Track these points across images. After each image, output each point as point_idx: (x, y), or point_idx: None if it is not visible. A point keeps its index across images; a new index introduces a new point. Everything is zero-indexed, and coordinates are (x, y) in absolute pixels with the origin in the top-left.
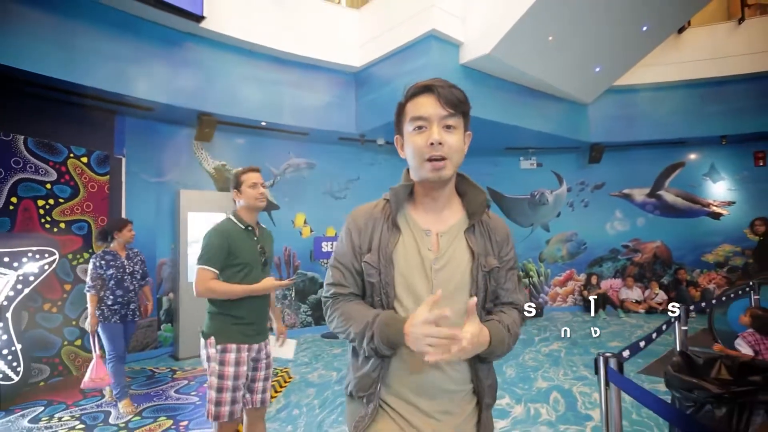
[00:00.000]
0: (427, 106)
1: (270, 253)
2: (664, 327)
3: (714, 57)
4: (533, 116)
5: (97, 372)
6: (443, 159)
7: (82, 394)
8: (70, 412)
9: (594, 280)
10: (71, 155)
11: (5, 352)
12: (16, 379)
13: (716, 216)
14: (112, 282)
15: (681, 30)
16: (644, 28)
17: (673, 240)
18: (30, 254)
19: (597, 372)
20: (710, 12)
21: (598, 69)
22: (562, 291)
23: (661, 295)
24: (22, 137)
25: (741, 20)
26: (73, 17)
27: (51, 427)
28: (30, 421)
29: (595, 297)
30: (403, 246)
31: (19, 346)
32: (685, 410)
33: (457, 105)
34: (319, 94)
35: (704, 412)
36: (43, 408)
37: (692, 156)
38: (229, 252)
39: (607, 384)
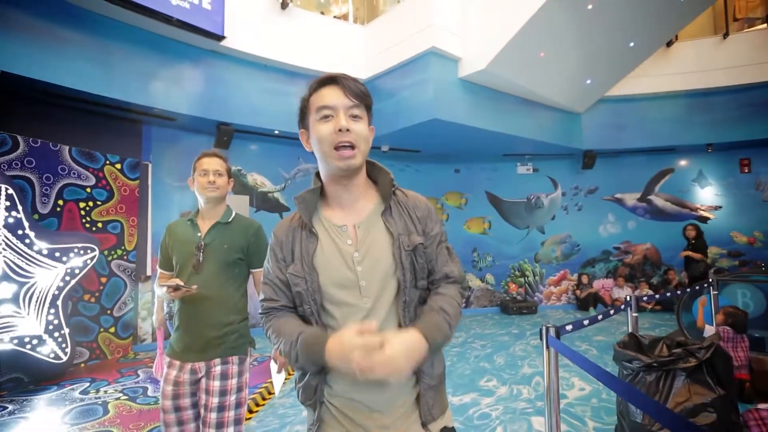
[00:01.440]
0: (332, 96)
1: (228, 250)
2: (611, 312)
3: (700, 70)
4: (529, 125)
5: (156, 369)
6: (352, 147)
7: (119, 373)
8: (113, 387)
9: (585, 279)
10: (107, 162)
11: (56, 335)
12: (65, 358)
13: (703, 220)
14: None
15: (669, 44)
16: (631, 45)
17: (662, 242)
18: (75, 250)
19: (541, 338)
20: (697, 27)
21: (588, 81)
22: (556, 290)
23: None
24: (67, 147)
25: (726, 35)
26: (109, 38)
27: (99, 398)
28: (80, 393)
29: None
30: (321, 249)
31: (67, 330)
32: (624, 378)
33: (362, 97)
34: None
35: (639, 378)
36: (88, 384)
37: (681, 162)
38: (169, 250)
39: (548, 347)
